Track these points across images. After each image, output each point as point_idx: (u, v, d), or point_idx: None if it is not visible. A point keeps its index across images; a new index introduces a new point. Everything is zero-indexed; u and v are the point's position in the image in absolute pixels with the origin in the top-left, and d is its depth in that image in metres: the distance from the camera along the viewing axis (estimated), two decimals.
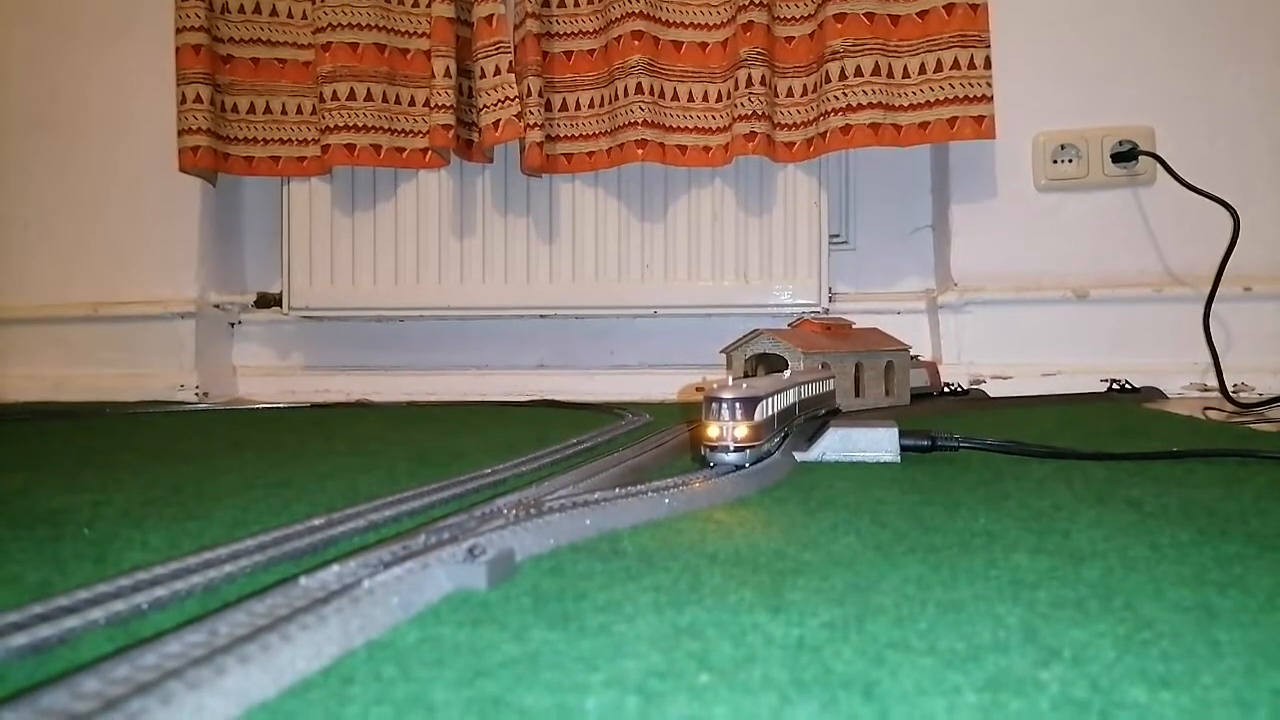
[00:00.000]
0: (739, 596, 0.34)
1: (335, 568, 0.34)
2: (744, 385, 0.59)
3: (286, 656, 0.26)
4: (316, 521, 0.46)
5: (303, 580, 0.33)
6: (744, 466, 0.58)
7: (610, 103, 1.48)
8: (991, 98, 1.37)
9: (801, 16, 1.44)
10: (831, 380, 0.91)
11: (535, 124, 1.44)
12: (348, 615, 0.30)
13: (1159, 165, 1.41)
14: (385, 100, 1.52)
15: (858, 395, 1.13)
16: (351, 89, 1.50)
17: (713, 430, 0.58)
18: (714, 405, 0.57)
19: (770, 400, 0.61)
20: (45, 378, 1.69)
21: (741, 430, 0.57)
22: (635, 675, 0.26)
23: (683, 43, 1.47)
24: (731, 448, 0.57)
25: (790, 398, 0.69)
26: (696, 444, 0.62)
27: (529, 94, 1.44)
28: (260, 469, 0.70)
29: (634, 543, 0.44)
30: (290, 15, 1.57)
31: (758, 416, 0.58)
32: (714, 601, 0.34)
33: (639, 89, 1.44)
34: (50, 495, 0.59)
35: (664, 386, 1.56)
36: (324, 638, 0.28)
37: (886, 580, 0.37)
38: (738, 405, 0.57)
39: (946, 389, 1.39)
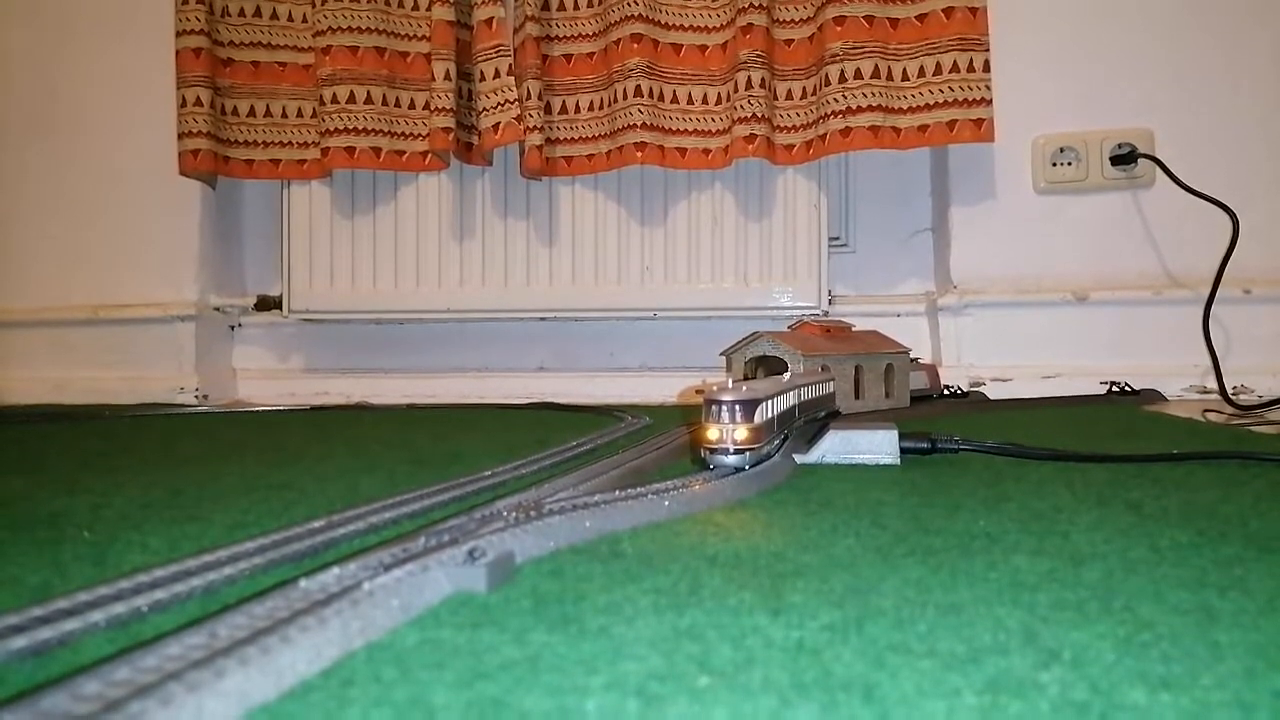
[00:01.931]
0: (739, 599, 0.34)
1: (335, 570, 0.34)
2: (744, 388, 0.59)
3: (286, 659, 0.26)
4: (316, 524, 0.46)
5: (302, 582, 0.33)
6: (744, 469, 0.58)
7: (610, 105, 1.48)
8: (990, 101, 1.37)
9: (801, 19, 1.44)
10: (831, 383, 0.90)
11: (535, 127, 1.45)
12: (347, 617, 0.30)
13: (1158, 168, 1.41)
14: (385, 103, 1.52)
15: (857, 398, 1.13)
16: (351, 92, 1.50)
17: (712, 432, 0.58)
18: (714, 408, 0.57)
19: (770, 403, 0.61)
20: (45, 380, 1.69)
21: (741, 433, 0.57)
22: (635, 678, 0.26)
23: (682, 45, 1.48)
24: (731, 450, 0.57)
25: (790, 400, 0.69)
26: (696, 446, 0.62)
27: (529, 97, 1.45)
28: (260, 471, 0.70)
29: (634, 545, 0.44)
30: (290, 18, 1.58)
31: (757, 419, 0.58)
32: (714, 604, 0.34)
33: (638, 92, 1.44)
34: (50, 498, 0.59)
35: (664, 389, 1.56)
36: (324, 640, 0.28)
37: (886, 582, 0.37)
38: (737, 408, 0.57)
39: (946, 391, 1.39)
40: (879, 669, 0.27)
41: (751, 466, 0.58)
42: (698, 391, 1.42)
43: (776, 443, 0.66)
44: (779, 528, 0.47)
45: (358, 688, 0.26)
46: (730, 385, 0.59)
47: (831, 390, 0.89)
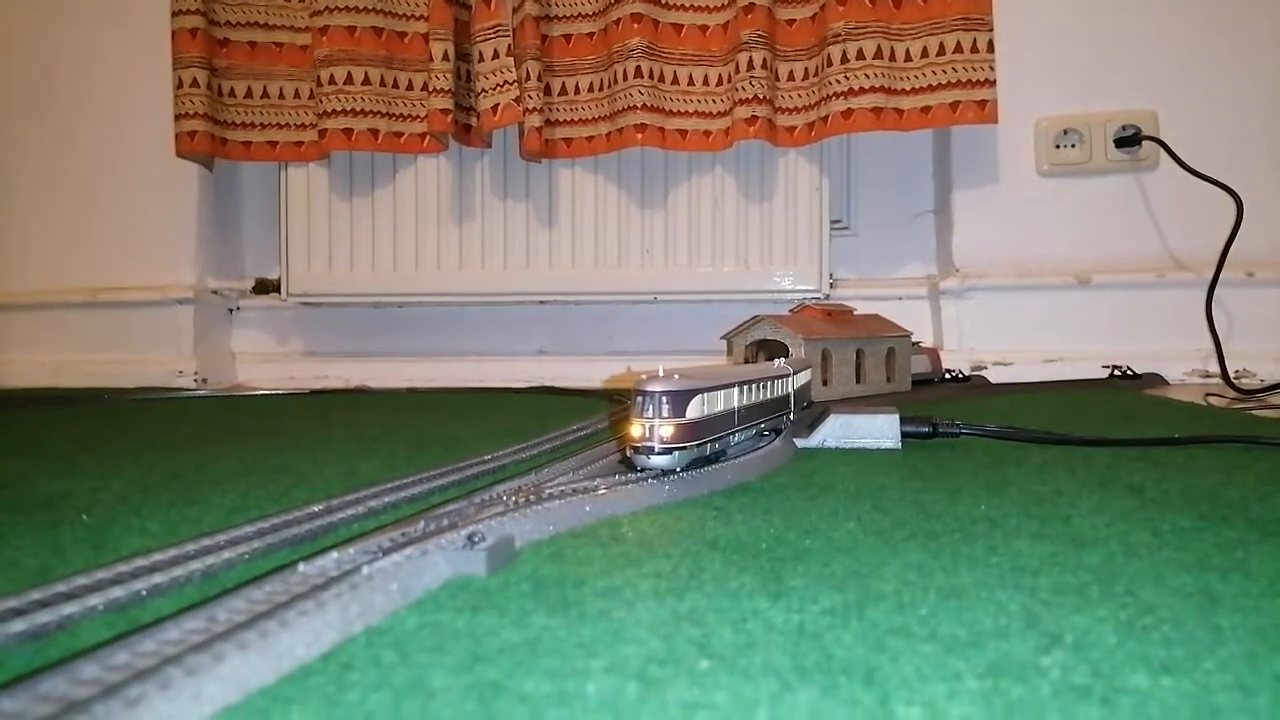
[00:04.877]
0: (739, 583, 0.34)
1: (334, 554, 0.34)
2: (675, 376, 0.51)
3: (285, 643, 0.26)
4: (315, 508, 0.46)
5: (302, 567, 0.33)
6: (675, 472, 0.51)
7: (610, 86, 1.47)
8: (994, 82, 1.36)
9: None
10: (804, 374, 0.78)
11: (534, 108, 1.43)
12: (347, 602, 0.29)
13: (1162, 150, 1.40)
14: (383, 84, 1.51)
15: (859, 381, 1.13)
16: (349, 73, 1.49)
17: (636, 428, 0.50)
18: (640, 400, 0.49)
19: (711, 396, 0.52)
20: (44, 363, 1.69)
21: (667, 429, 0.49)
22: (635, 661, 0.26)
23: (683, 26, 1.46)
24: (656, 449, 0.49)
25: (749, 394, 0.59)
26: (621, 444, 0.55)
27: (528, 78, 1.43)
28: (259, 455, 0.70)
29: (634, 529, 0.44)
30: None
31: (691, 413, 0.50)
32: (714, 588, 0.34)
33: (639, 73, 1.43)
34: (49, 481, 0.59)
35: None
36: (323, 624, 0.28)
37: (887, 566, 0.36)
38: (664, 400, 0.49)
39: (948, 375, 1.39)
40: (880, 653, 0.27)
41: (684, 469, 0.51)
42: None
43: (740, 437, 0.58)
44: (780, 512, 0.47)
45: (357, 671, 0.26)
46: (661, 374, 0.51)
47: (803, 383, 0.75)
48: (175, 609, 0.31)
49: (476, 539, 0.36)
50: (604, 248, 1.55)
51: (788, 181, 1.50)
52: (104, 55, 1.69)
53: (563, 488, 0.48)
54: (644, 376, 0.50)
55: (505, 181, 1.57)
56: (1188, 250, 1.42)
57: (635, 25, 1.43)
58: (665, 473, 0.50)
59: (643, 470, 0.51)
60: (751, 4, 1.40)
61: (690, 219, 1.53)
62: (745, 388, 0.58)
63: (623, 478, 0.51)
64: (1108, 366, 1.39)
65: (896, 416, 0.71)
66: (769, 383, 0.64)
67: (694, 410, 0.50)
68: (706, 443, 0.52)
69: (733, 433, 0.57)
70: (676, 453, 0.50)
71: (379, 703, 0.24)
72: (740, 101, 1.41)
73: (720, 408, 0.54)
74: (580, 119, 1.50)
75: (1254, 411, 1.00)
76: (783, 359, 0.73)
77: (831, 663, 0.26)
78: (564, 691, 0.24)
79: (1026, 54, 1.44)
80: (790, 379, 0.70)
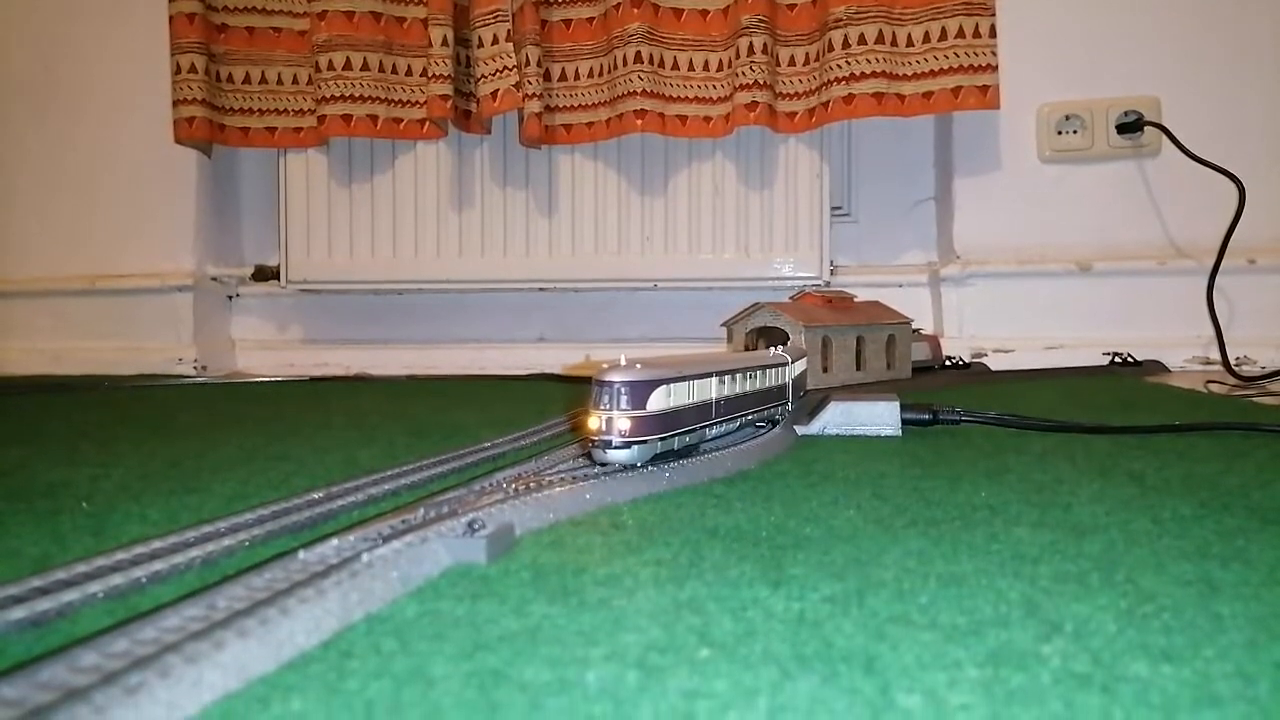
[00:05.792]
0: (739, 571, 0.34)
1: (334, 542, 0.34)
2: (637, 366, 0.48)
3: (285, 630, 0.26)
4: (315, 495, 0.46)
5: (301, 554, 0.33)
6: (636, 467, 0.49)
7: (609, 72, 1.46)
8: (996, 67, 1.35)
9: None
10: (800, 362, 0.74)
11: (534, 94, 1.43)
12: (346, 589, 0.29)
13: (1164, 136, 1.39)
14: (382, 70, 1.50)
15: (859, 368, 1.13)
16: (348, 58, 1.48)
17: (593, 420, 0.48)
18: (599, 391, 0.47)
19: (677, 387, 0.50)
20: (43, 351, 1.69)
21: (625, 422, 0.47)
22: (635, 649, 0.26)
23: (683, 10, 1.45)
24: (615, 442, 0.47)
25: (726, 385, 0.56)
26: (583, 438, 0.54)
27: (527, 63, 1.42)
28: (259, 443, 0.70)
29: (634, 517, 0.44)
30: None
31: (653, 405, 0.48)
32: (714, 576, 0.34)
33: (638, 58, 1.42)
34: (48, 469, 0.59)
35: None
36: (323, 612, 0.28)
37: (887, 554, 0.36)
38: (623, 391, 0.47)
39: (948, 362, 1.39)
40: (880, 641, 0.27)
41: (646, 464, 0.49)
42: None
43: (721, 429, 0.56)
44: (780, 499, 0.47)
45: (357, 659, 0.26)
46: (623, 363, 0.49)
47: (787, 379, 0.68)
48: (175, 596, 0.31)
49: (476, 526, 0.36)
50: (604, 235, 1.54)
51: (788, 168, 1.49)
52: (105, 45, 1.68)
53: (563, 475, 0.48)
54: (604, 366, 0.48)
55: (505, 168, 1.56)
56: (1189, 237, 1.42)
57: (635, 10, 1.41)
58: (627, 467, 0.48)
59: (601, 465, 0.49)
60: None
61: (690, 206, 1.52)
62: (724, 378, 0.56)
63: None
64: (1108, 353, 1.39)
65: (897, 404, 0.71)
66: (755, 372, 0.61)
67: (656, 402, 0.48)
68: (673, 436, 0.50)
69: (709, 425, 0.54)
70: (636, 447, 0.47)
71: (379, 690, 0.24)
72: (741, 87, 1.40)
73: (691, 399, 0.51)
74: (580, 105, 1.50)
75: (1255, 398, 1.00)
76: (780, 346, 0.73)
77: (832, 651, 0.26)
78: (564, 679, 0.24)
79: (1028, 39, 1.43)
80: (786, 368, 0.67)
